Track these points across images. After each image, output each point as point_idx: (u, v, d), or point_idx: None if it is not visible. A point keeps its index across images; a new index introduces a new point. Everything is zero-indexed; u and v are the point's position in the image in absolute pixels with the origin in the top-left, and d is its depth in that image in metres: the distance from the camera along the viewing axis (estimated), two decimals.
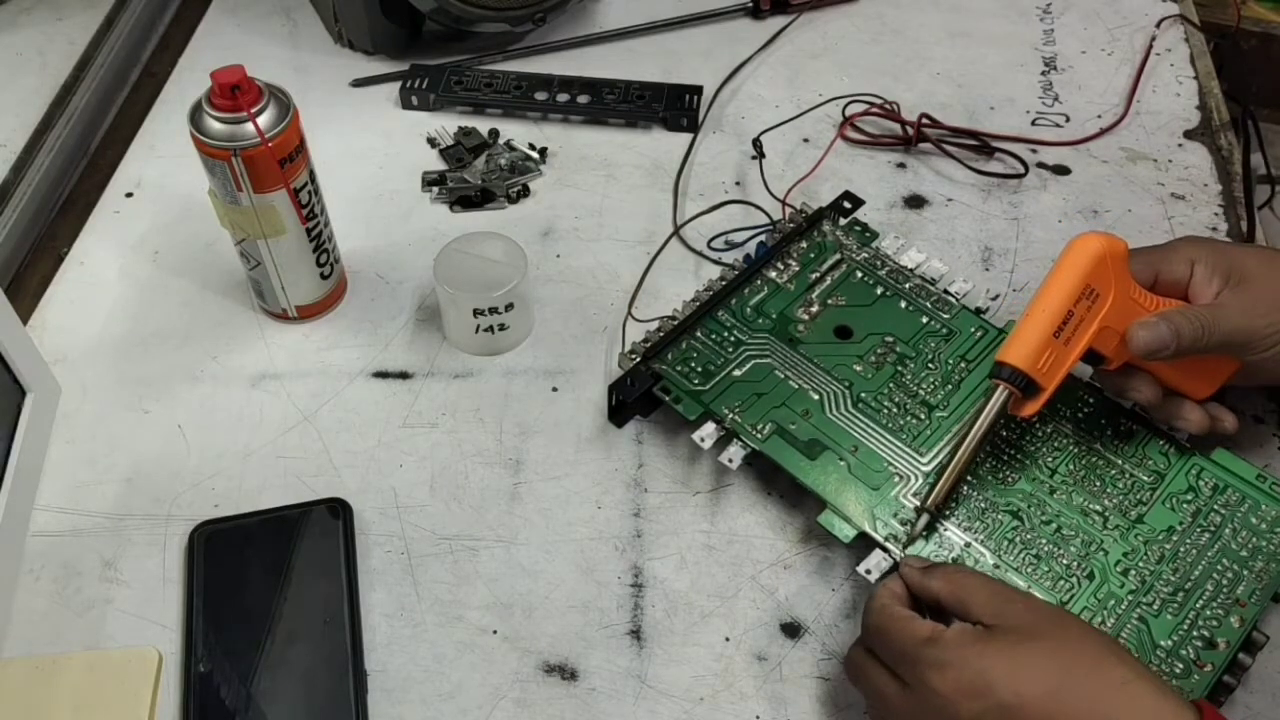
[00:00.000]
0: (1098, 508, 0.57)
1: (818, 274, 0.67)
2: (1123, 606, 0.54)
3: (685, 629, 0.57)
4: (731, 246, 0.74)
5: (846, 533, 0.56)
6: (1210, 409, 0.59)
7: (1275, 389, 0.65)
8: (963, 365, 0.63)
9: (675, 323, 0.64)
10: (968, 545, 0.56)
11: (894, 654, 0.49)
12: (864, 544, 0.56)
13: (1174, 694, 0.46)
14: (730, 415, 0.60)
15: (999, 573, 0.55)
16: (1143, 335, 0.55)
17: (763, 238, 0.71)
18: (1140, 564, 0.55)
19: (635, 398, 0.62)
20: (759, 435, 0.60)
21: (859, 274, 0.67)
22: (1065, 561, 0.56)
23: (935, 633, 0.48)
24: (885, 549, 0.56)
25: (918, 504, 0.57)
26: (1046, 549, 0.56)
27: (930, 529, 0.57)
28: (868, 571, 0.55)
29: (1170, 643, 0.53)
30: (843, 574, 0.59)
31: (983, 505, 0.58)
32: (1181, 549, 0.56)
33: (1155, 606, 0.54)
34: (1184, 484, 0.58)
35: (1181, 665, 0.52)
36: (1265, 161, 0.89)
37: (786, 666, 0.56)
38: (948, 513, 0.57)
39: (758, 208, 0.76)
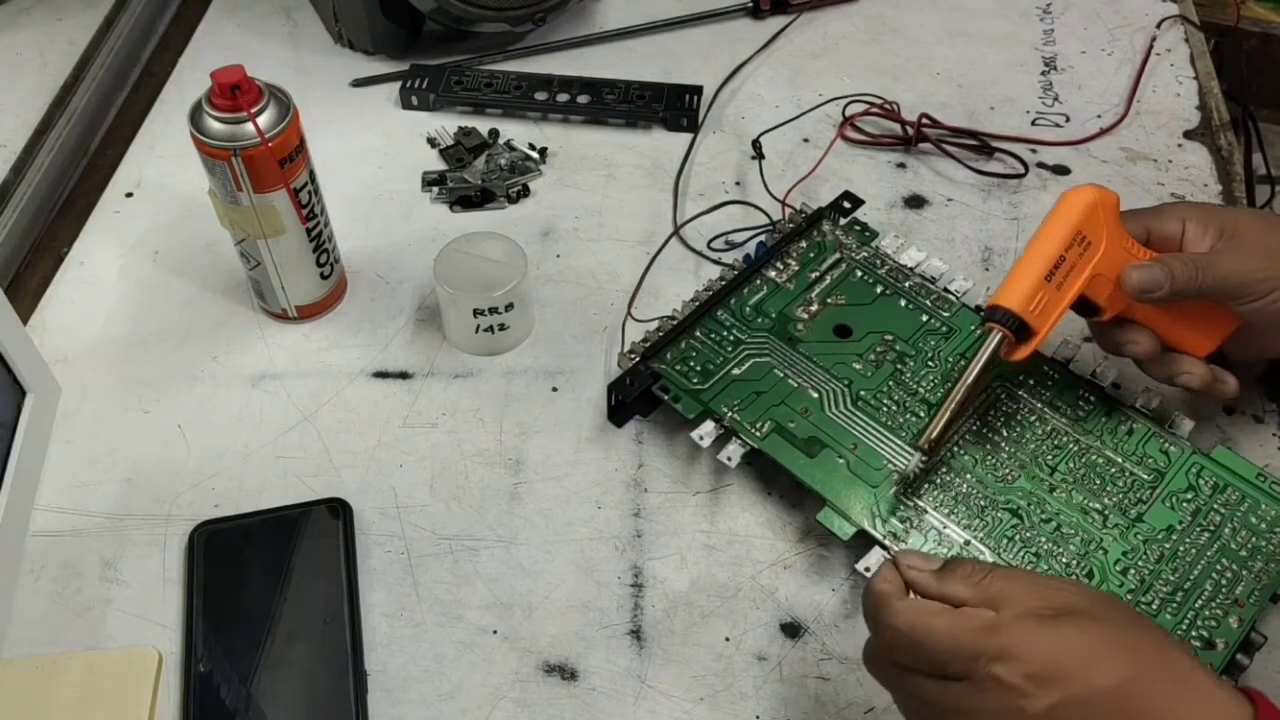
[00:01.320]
0: (1097, 506, 0.57)
1: (817, 273, 0.67)
2: None
3: (685, 629, 0.57)
4: (731, 246, 0.74)
5: (846, 530, 0.56)
6: (1211, 369, 0.59)
7: (1275, 390, 0.65)
8: (963, 363, 0.63)
9: (674, 322, 0.65)
10: (967, 543, 0.56)
11: (944, 652, 0.43)
12: (863, 542, 0.56)
13: (1228, 684, 0.43)
14: (729, 414, 0.61)
15: None
16: (1136, 275, 0.56)
17: (762, 238, 0.71)
18: (1140, 563, 0.55)
19: (634, 397, 0.62)
20: (758, 433, 0.60)
21: (859, 273, 0.67)
22: (1065, 560, 0.56)
23: (992, 621, 0.43)
24: (884, 546, 0.56)
25: (912, 444, 0.58)
26: (1046, 547, 0.56)
27: (924, 473, 0.58)
28: (867, 569, 0.55)
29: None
30: (842, 574, 0.59)
31: (982, 503, 0.58)
32: (1181, 548, 0.56)
33: (1154, 606, 0.54)
34: (1184, 483, 0.58)
35: None
36: (1265, 161, 0.89)
37: (786, 666, 0.56)
38: (948, 512, 0.57)
39: (757, 208, 0.76)
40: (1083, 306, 0.57)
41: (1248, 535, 0.56)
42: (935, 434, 0.56)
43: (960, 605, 0.45)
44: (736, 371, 0.63)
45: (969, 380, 0.57)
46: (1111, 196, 0.57)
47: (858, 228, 0.70)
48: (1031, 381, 0.62)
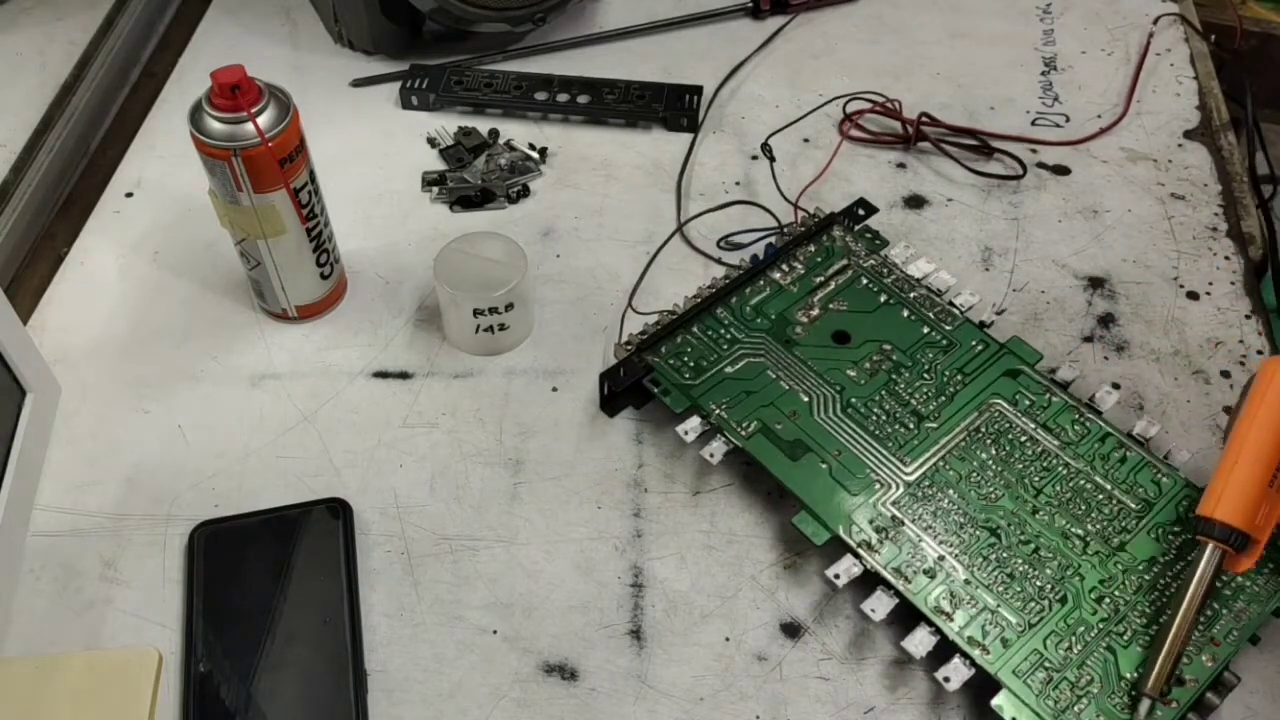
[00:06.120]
0: (1079, 532, 0.56)
1: (822, 278, 0.67)
2: (1092, 634, 0.53)
3: (685, 629, 0.57)
4: (735, 248, 0.74)
5: (820, 535, 0.56)
6: None
7: None
8: (959, 378, 0.62)
9: (674, 317, 0.65)
10: (941, 559, 0.55)
11: None
12: (838, 547, 0.56)
13: None
14: (716, 411, 0.60)
15: (969, 589, 0.54)
16: None
17: (772, 239, 0.71)
18: (1116, 592, 0.54)
19: (624, 387, 0.62)
20: (742, 433, 0.60)
21: (864, 280, 0.67)
22: (1039, 584, 0.54)
23: None
24: (857, 555, 0.55)
25: (1137, 691, 0.51)
26: (1021, 569, 0.55)
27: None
28: (835, 576, 0.54)
29: (1136, 675, 0.52)
30: None
31: (961, 520, 0.57)
32: (1161, 581, 0.55)
33: (1126, 637, 0.53)
34: (1172, 514, 0.57)
35: None
36: (1268, 161, 0.89)
37: (786, 666, 0.56)
38: (925, 526, 0.57)
39: (764, 208, 0.76)
40: None
41: (1231, 574, 0.54)
42: (1164, 681, 0.50)
43: None
44: (729, 370, 0.63)
45: (1193, 609, 0.51)
46: None
47: (869, 235, 0.70)
48: (1028, 402, 0.61)
